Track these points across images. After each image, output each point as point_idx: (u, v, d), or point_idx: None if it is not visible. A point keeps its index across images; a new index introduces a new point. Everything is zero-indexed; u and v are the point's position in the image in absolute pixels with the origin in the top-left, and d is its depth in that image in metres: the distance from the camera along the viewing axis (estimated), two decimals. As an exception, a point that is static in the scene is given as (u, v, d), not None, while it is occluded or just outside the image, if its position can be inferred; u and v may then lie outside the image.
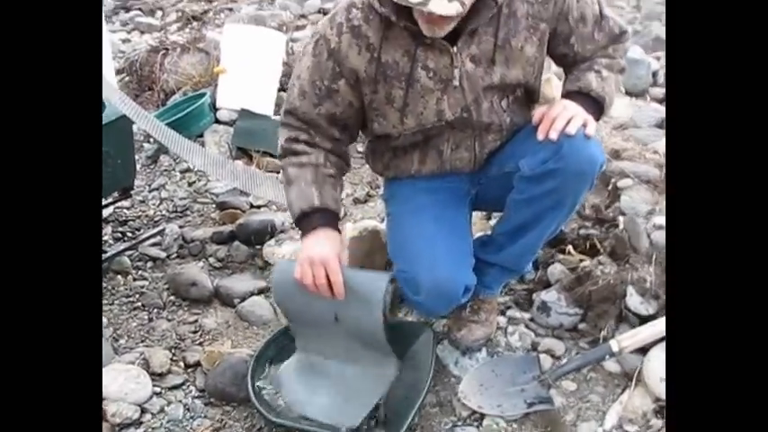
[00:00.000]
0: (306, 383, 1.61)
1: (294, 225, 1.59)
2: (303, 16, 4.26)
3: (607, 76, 1.53)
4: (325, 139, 1.54)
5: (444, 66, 1.45)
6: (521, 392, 1.57)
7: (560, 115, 1.42)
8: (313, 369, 1.61)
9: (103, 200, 2.22)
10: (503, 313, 1.85)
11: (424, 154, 1.61)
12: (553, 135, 1.40)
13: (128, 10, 5.20)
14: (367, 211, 2.45)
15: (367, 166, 1.83)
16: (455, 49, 1.42)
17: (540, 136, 1.42)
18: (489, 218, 2.21)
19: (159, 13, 5.06)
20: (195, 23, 3.72)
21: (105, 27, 3.16)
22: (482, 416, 1.55)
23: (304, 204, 1.49)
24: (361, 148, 2.38)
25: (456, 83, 1.46)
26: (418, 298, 1.50)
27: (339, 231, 1.54)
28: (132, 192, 2.60)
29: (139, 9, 5.19)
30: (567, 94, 1.52)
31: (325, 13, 4.42)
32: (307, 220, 1.50)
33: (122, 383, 1.62)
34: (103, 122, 2.01)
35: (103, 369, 1.66)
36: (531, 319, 1.82)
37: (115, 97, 2.11)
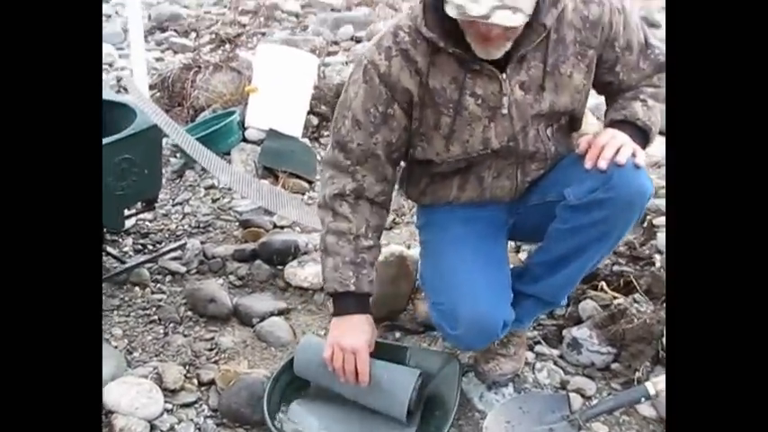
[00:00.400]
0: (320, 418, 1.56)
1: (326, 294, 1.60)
2: (335, 43, 4.29)
3: (652, 106, 1.48)
4: (375, 182, 1.48)
5: (493, 93, 1.40)
6: (549, 432, 1.49)
7: (609, 144, 1.36)
8: (329, 406, 1.58)
9: (126, 211, 2.19)
10: (531, 348, 1.77)
11: (464, 180, 1.55)
12: (603, 164, 1.34)
13: (163, 30, 5.27)
14: (393, 237, 2.39)
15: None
16: (504, 75, 1.38)
17: (589, 164, 1.36)
18: (518, 250, 2.15)
19: (193, 35, 5.11)
20: (228, 45, 3.73)
21: (142, 45, 3.18)
22: (508, 454, 1.47)
23: (339, 287, 1.47)
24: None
25: (504, 111, 1.42)
26: (456, 332, 1.44)
27: (372, 314, 1.52)
28: (156, 205, 2.59)
29: (174, 30, 5.26)
30: (612, 123, 1.47)
31: (357, 40, 4.45)
32: (340, 301, 1.50)
33: (134, 397, 1.56)
34: (133, 132, 1.99)
35: (115, 382, 1.62)
36: (561, 356, 1.74)
37: (148, 108, 2.10)
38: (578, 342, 1.71)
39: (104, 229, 2.19)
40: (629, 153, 1.34)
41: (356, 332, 1.47)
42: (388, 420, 1.51)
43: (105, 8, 5.55)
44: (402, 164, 1.70)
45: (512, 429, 1.50)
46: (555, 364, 1.72)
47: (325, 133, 3.26)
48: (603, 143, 1.37)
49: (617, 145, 1.36)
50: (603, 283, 1.82)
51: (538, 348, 1.78)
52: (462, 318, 1.42)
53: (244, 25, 5.11)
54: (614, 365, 1.68)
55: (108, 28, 5.00)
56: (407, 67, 1.40)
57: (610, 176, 1.34)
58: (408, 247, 2.16)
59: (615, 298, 1.80)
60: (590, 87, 1.51)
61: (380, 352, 1.54)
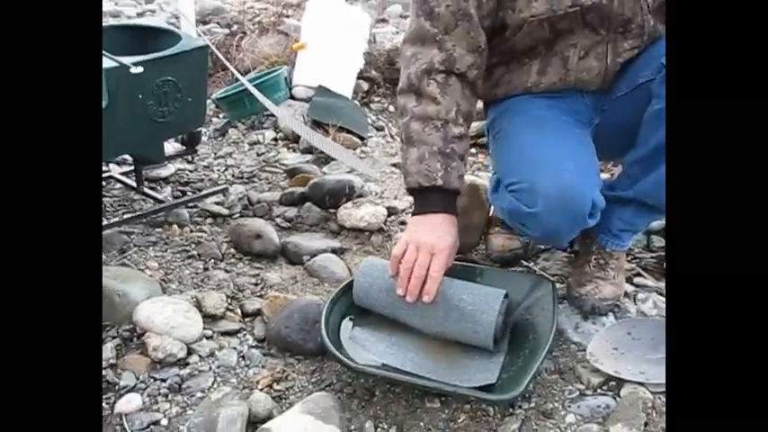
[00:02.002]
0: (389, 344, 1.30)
1: (407, 191, 1.33)
2: (383, 20, 4.12)
3: None
4: (466, 52, 1.26)
5: None
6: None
7: None
8: (398, 334, 1.33)
9: (167, 148, 2.01)
10: (629, 281, 1.50)
11: (545, 63, 1.34)
12: None
13: (205, 23, 5.19)
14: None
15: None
16: None
17: None
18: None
19: (236, 27, 5.03)
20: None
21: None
22: (620, 384, 1.20)
23: (424, 180, 1.25)
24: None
25: None
26: (535, 210, 1.19)
27: (457, 215, 1.29)
28: (196, 157, 2.41)
29: (217, 23, 5.18)
30: None
31: (406, 17, 4.29)
32: (423, 197, 1.28)
33: (169, 316, 1.34)
34: (177, 51, 1.82)
35: (149, 300, 1.40)
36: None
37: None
38: (690, 269, 1.44)
39: (142, 166, 2.00)
40: None
41: (439, 231, 1.24)
42: (469, 349, 1.26)
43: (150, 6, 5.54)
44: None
45: (621, 357, 1.23)
46: (661, 294, 1.45)
47: (376, 99, 3.06)
48: None
49: None
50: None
51: (637, 280, 1.51)
52: (543, 191, 1.18)
53: (288, 16, 5.01)
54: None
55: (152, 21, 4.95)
56: None
57: None
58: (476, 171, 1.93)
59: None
60: None
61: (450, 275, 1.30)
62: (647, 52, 1.31)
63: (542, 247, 1.67)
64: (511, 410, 1.17)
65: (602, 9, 1.25)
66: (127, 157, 2.15)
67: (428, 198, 1.26)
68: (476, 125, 2.56)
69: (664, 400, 1.15)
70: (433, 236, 1.23)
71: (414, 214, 1.29)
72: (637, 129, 1.29)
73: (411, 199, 1.45)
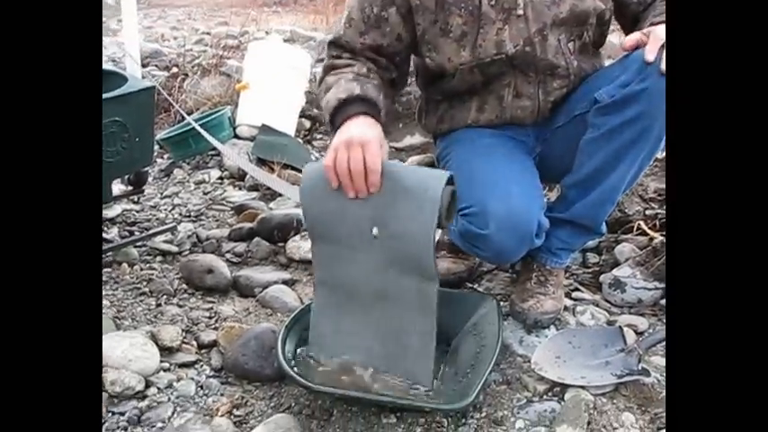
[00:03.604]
0: (336, 329, 1.32)
1: (330, 126, 1.33)
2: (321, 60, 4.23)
3: None
4: (377, 68, 1.40)
5: None
6: (605, 365, 1.30)
7: (657, 38, 1.24)
8: (340, 309, 1.32)
9: (115, 187, 2.02)
10: (568, 296, 1.60)
11: (482, 101, 1.46)
12: (650, 57, 1.22)
13: (144, 66, 5.19)
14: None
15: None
16: None
17: (650, 57, 1.22)
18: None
19: (174, 69, 5.05)
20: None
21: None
22: (563, 389, 1.28)
23: (343, 94, 1.28)
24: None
25: (520, 11, 1.33)
26: (486, 231, 1.27)
27: (381, 124, 1.29)
28: (143, 197, 2.42)
29: (155, 65, 5.18)
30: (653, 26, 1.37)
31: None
32: (343, 110, 1.28)
33: (126, 349, 1.35)
34: (124, 92, 1.85)
35: (104, 336, 1.40)
36: (602, 300, 1.58)
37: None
38: (621, 281, 1.55)
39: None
40: None
41: (363, 126, 1.23)
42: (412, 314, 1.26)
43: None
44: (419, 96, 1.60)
45: (564, 364, 1.32)
46: (597, 306, 1.55)
47: (318, 136, 3.14)
48: (663, 36, 1.23)
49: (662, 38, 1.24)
50: (641, 223, 1.68)
51: (575, 294, 1.62)
52: (494, 213, 1.26)
53: (228, 58, 5.07)
54: (663, 301, 1.52)
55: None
56: None
57: (646, 66, 1.23)
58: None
59: (652, 239, 1.65)
60: None
61: None
62: (580, 87, 1.43)
63: (485, 269, 1.76)
64: (463, 420, 1.23)
65: (527, 56, 1.36)
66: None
67: (347, 108, 1.27)
68: (415, 158, 2.67)
69: (604, 400, 1.24)
70: (357, 130, 1.21)
71: (335, 130, 1.27)
72: (573, 156, 1.40)
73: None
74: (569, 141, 1.40)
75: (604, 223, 1.46)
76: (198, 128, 2.26)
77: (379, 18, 1.37)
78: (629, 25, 1.47)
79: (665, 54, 1.20)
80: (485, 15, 1.34)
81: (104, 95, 1.79)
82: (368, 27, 1.38)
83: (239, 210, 2.29)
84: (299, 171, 2.65)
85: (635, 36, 1.28)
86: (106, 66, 2.34)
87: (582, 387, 1.26)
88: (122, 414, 1.27)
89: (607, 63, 1.50)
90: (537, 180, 1.40)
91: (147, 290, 1.77)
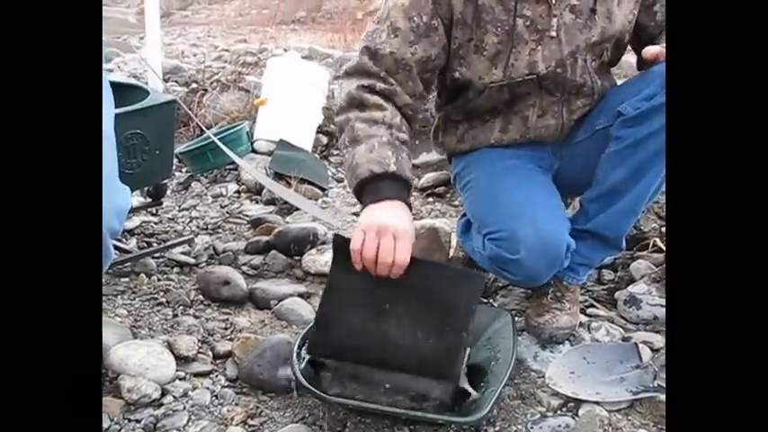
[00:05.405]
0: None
1: (354, 191, 1.29)
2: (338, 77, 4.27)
3: None
4: (406, 93, 1.33)
5: (541, 15, 1.33)
6: (620, 381, 1.30)
7: None
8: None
9: (134, 199, 2.05)
10: (583, 312, 1.60)
11: (506, 121, 1.46)
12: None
13: (165, 81, 5.26)
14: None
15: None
16: None
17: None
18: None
19: (195, 85, 5.12)
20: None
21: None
22: (578, 404, 1.27)
23: (376, 167, 1.21)
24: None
25: (553, 33, 1.35)
26: (518, 256, 1.28)
27: (411, 208, 1.28)
28: (161, 210, 2.45)
29: (175, 81, 5.26)
30: None
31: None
32: (375, 186, 1.23)
33: (143, 358, 1.37)
34: (145, 105, 1.89)
35: (121, 344, 1.42)
36: (617, 317, 1.57)
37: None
38: (636, 298, 1.55)
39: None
40: None
41: (398, 213, 1.20)
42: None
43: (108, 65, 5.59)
44: (435, 112, 1.61)
45: (578, 380, 1.31)
46: (612, 322, 1.54)
47: (335, 152, 3.16)
48: None
49: None
50: (657, 240, 1.67)
51: (590, 311, 1.61)
52: (524, 239, 1.27)
53: (247, 74, 5.14)
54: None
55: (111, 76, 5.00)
56: None
57: None
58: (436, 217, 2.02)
59: (670, 257, 1.65)
60: (634, 19, 1.43)
61: None
62: (601, 103, 1.45)
63: (500, 284, 1.76)
64: (477, 434, 1.24)
65: (557, 77, 1.38)
66: (92, 209, 2.18)
67: (381, 186, 1.22)
68: (431, 176, 2.68)
69: (619, 416, 1.24)
70: (391, 217, 1.18)
71: (365, 205, 1.23)
72: (592, 170, 1.41)
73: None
74: (589, 156, 1.41)
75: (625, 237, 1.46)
76: (217, 142, 2.29)
77: (429, 27, 1.32)
78: (642, 48, 1.48)
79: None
80: (518, 35, 1.34)
81: (126, 108, 1.83)
82: (417, 36, 1.32)
83: (256, 223, 2.31)
84: (316, 186, 2.68)
85: (655, 48, 1.30)
86: (128, 80, 2.39)
87: (596, 403, 1.25)
88: (138, 421, 1.28)
89: (619, 82, 1.52)
90: (559, 200, 1.41)
91: (164, 300, 1.79)
